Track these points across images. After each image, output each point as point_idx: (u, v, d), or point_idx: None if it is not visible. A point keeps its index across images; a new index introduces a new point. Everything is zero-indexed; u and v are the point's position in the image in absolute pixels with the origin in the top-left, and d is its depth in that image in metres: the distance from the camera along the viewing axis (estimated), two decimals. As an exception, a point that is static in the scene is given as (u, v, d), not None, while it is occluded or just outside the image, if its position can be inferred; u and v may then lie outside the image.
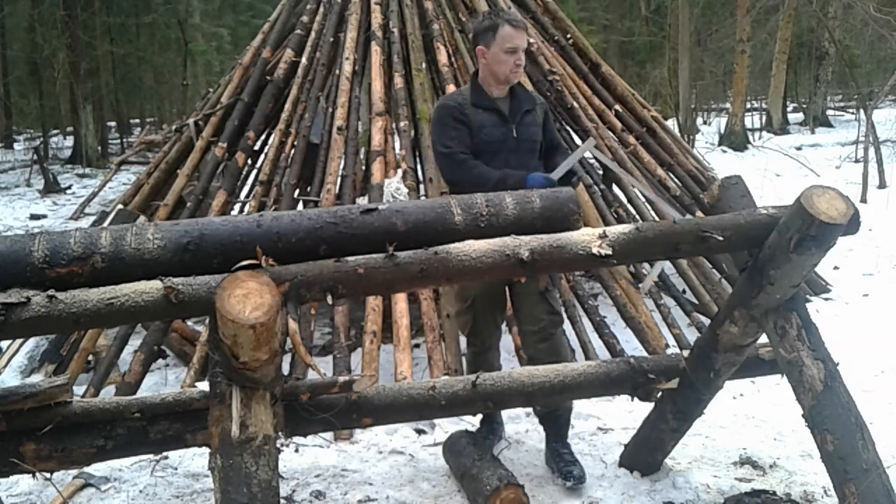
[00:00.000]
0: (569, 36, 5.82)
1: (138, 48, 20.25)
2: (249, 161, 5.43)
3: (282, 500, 2.24)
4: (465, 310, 3.18)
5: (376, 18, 5.31)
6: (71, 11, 16.24)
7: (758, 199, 2.62)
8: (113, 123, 22.02)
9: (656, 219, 5.00)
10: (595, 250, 2.17)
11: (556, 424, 3.18)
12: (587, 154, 5.43)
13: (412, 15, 5.41)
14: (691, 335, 4.39)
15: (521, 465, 3.17)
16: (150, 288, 1.95)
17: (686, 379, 2.69)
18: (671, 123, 13.39)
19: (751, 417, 3.61)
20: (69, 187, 13.14)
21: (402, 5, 5.43)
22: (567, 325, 4.34)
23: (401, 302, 4.13)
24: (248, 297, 1.83)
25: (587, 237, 2.19)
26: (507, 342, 4.46)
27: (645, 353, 4.13)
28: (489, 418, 3.39)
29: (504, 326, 4.45)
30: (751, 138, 17.27)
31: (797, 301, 2.35)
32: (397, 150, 4.84)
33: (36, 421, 2.19)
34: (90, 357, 4.58)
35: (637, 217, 5.15)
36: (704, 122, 22.68)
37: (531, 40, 5.36)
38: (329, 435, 3.43)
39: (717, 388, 2.72)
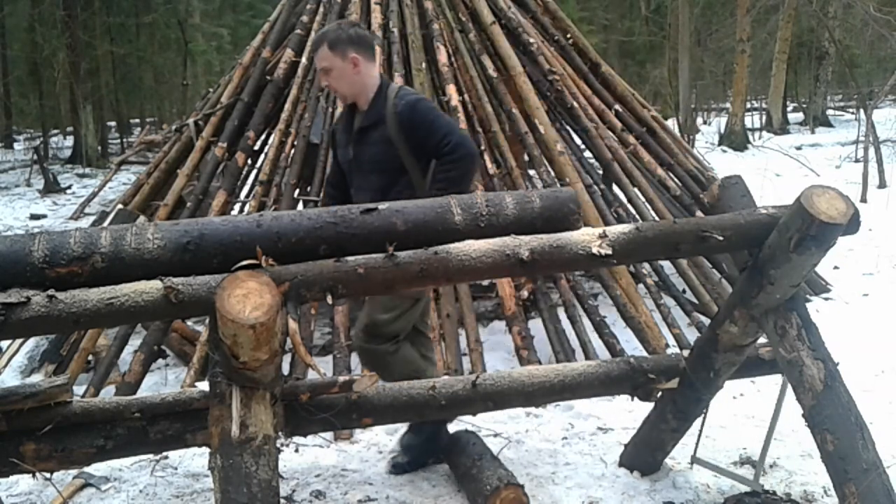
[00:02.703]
0: (569, 36, 5.81)
1: (138, 48, 20.25)
2: (249, 161, 5.43)
3: (282, 500, 2.24)
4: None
5: (376, 18, 5.31)
6: (71, 11, 16.24)
7: (758, 199, 2.62)
8: (113, 123, 22.02)
9: (656, 218, 5.01)
10: (595, 250, 2.17)
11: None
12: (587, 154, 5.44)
13: (412, 15, 5.40)
14: (691, 335, 4.39)
15: (521, 465, 3.17)
16: (150, 288, 1.95)
17: (686, 379, 2.69)
18: (671, 123, 13.38)
19: (751, 417, 3.60)
20: (69, 187, 13.14)
21: (402, 5, 5.43)
22: (567, 325, 4.38)
23: (401, 302, 4.13)
24: (248, 297, 1.83)
25: (587, 237, 2.19)
26: (507, 341, 4.48)
27: (645, 353, 4.13)
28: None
29: (504, 326, 4.49)
30: (751, 138, 17.28)
31: (797, 301, 2.35)
32: (397, 150, 4.83)
33: (36, 421, 2.19)
34: (90, 357, 4.58)
35: (637, 217, 5.16)
36: (704, 122, 22.68)
37: (531, 40, 5.36)
38: (329, 435, 3.43)
39: (717, 388, 2.72)
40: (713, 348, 2.57)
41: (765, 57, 20.49)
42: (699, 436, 3.05)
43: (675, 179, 5.59)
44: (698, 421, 2.93)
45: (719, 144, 16.68)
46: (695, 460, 3.08)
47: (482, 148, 4.96)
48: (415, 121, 2.88)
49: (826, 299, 5.51)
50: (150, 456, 3.10)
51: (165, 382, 4.46)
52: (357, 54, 2.90)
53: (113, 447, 2.28)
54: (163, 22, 19.40)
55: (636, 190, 5.25)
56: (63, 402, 2.22)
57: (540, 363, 3.99)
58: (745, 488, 2.92)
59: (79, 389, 4.07)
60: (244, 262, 2.01)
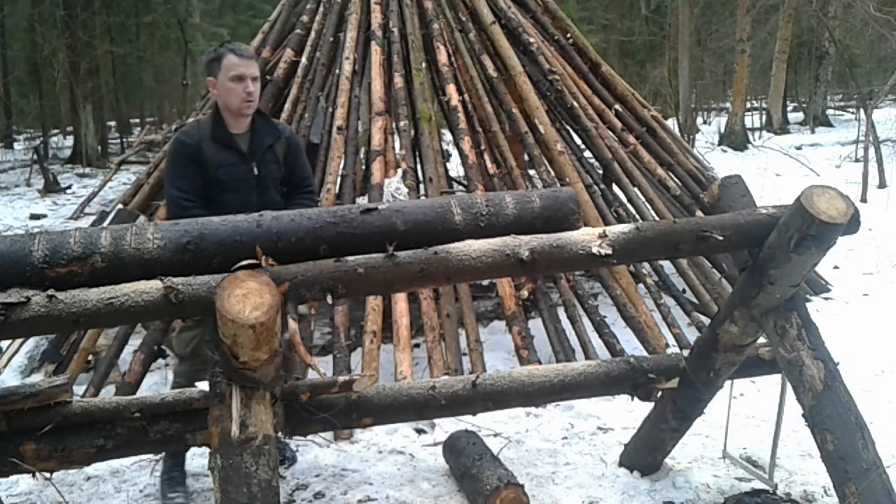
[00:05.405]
0: (569, 36, 5.82)
1: (138, 48, 20.26)
2: (249, 161, 5.42)
3: (282, 500, 2.24)
4: (192, 324, 2.96)
5: (376, 18, 5.31)
6: (71, 11, 16.24)
7: (758, 198, 2.62)
8: (113, 123, 22.04)
9: (656, 218, 5.01)
10: (595, 250, 2.17)
11: None
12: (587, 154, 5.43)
13: (412, 14, 5.41)
14: (691, 335, 4.39)
15: (521, 465, 3.17)
16: (150, 288, 1.95)
17: (686, 379, 2.69)
18: (671, 123, 13.39)
19: (751, 417, 3.61)
20: (69, 187, 13.13)
21: (402, 5, 5.43)
22: (567, 325, 4.38)
23: (401, 302, 4.13)
24: (248, 297, 1.83)
25: (587, 237, 2.19)
26: (506, 342, 4.48)
27: (645, 353, 4.13)
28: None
29: (504, 325, 4.48)
30: (751, 138, 17.27)
31: (797, 301, 2.35)
32: (397, 150, 4.84)
33: (36, 421, 2.19)
34: (90, 357, 4.57)
35: (637, 217, 5.15)
36: (704, 122, 22.68)
37: (531, 40, 5.37)
38: (329, 435, 3.43)
39: (717, 388, 2.72)
40: (713, 348, 2.57)
41: (765, 57, 20.49)
42: (726, 430, 3.11)
43: (675, 179, 5.59)
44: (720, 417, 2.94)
45: (719, 144, 16.68)
46: (725, 454, 3.14)
47: (482, 148, 4.96)
48: (298, 149, 3.20)
49: (826, 299, 5.51)
50: (150, 456, 3.09)
51: (165, 382, 4.45)
52: None
53: (113, 447, 2.28)
54: (163, 22, 19.40)
55: (636, 190, 5.25)
56: (63, 402, 2.21)
57: (540, 363, 3.99)
58: (745, 487, 2.93)
59: (79, 389, 4.07)
60: (244, 262, 2.01)
